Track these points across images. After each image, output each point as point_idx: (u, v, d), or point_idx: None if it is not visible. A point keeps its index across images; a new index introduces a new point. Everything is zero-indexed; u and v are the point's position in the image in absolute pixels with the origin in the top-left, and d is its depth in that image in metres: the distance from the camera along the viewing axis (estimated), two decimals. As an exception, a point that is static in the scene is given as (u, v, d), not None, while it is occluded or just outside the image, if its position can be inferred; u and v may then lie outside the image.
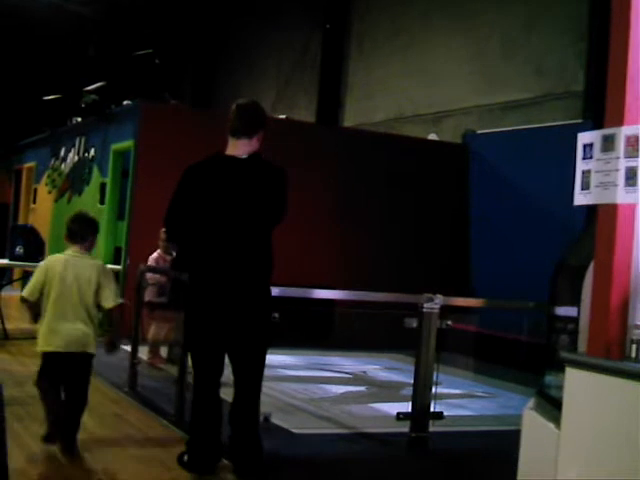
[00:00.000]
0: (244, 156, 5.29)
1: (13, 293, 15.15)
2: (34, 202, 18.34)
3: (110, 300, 5.61)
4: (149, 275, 8.89)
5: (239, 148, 5.32)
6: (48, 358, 5.58)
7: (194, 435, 5.39)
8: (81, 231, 5.73)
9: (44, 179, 17.20)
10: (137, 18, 22.36)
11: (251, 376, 5.37)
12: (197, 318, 5.35)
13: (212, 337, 5.34)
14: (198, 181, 5.31)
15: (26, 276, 14.45)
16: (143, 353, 8.28)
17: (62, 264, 5.61)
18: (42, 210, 17.18)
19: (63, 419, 5.53)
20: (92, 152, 14.13)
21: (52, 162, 16.65)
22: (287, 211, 5.39)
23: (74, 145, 15.22)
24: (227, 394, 5.43)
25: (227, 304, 5.25)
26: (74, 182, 14.98)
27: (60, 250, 5.79)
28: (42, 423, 5.61)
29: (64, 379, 5.62)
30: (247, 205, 5.25)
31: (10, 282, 14.20)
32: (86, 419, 5.85)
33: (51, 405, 5.56)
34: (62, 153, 15.99)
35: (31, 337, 10.51)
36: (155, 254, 9.52)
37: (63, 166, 15.83)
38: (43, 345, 5.59)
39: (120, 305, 5.71)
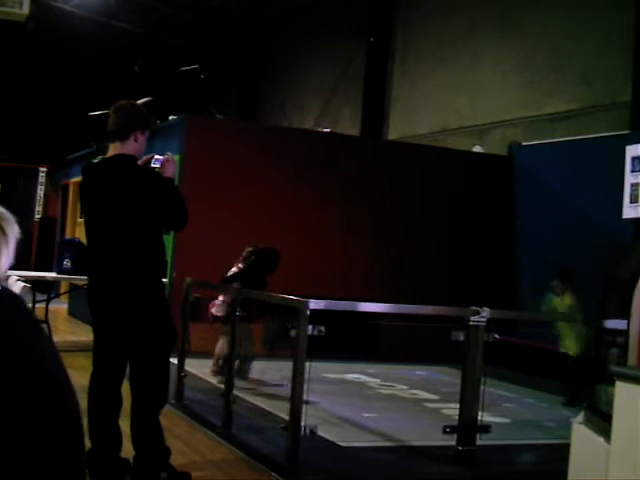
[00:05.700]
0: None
1: (60, 306, 15.34)
2: (81, 216, 18.54)
3: None
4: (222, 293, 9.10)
5: (111, 152, 5.24)
6: None
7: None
8: None
9: (91, 193, 17.34)
10: (182, 34, 22.58)
11: (140, 382, 5.12)
12: (93, 323, 5.36)
13: (101, 342, 5.29)
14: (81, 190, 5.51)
15: (73, 289, 14.62)
16: (190, 366, 8.32)
17: None
18: (89, 224, 17.33)
19: None
20: (138, 167, 14.22)
21: (99, 177, 16.80)
22: (186, 216, 5.28)
23: (121, 160, 15.34)
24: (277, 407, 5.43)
25: (103, 309, 5.21)
26: (121, 196, 15.09)
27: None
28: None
29: None
30: (106, 208, 5.17)
31: (57, 295, 14.35)
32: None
33: None
34: (109, 168, 16.13)
35: (78, 350, 10.64)
36: (234, 268, 9.38)
37: (110, 181, 15.96)
38: None
39: None
